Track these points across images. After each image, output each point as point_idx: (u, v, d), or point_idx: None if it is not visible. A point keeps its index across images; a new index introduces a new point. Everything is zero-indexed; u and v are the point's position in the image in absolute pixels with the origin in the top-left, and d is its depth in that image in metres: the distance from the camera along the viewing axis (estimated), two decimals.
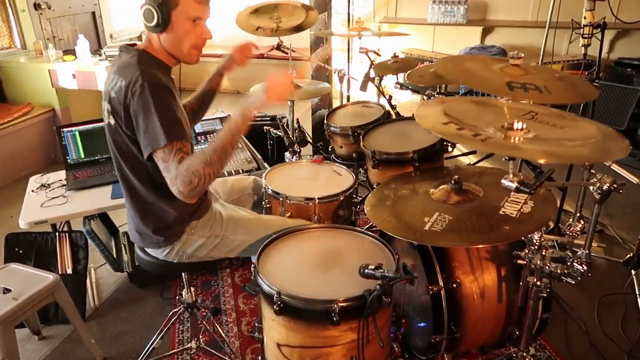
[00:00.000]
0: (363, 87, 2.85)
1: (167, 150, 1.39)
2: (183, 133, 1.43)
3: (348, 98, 3.27)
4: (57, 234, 2.37)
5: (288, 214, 1.88)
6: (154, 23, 1.44)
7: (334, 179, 2.05)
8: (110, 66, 1.59)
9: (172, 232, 1.61)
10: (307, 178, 2.10)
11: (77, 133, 2.55)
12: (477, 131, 1.19)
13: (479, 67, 1.47)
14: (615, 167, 1.88)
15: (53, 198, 2.26)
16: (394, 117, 2.74)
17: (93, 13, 5.01)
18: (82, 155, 2.55)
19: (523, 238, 1.38)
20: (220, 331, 2.19)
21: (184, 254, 1.66)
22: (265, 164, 2.55)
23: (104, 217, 2.56)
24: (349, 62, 3.52)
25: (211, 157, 1.40)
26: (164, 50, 1.52)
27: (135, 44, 1.59)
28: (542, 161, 1.08)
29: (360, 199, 2.25)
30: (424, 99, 2.56)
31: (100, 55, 3.97)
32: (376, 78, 2.87)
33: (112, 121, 1.47)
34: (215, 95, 1.89)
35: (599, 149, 1.14)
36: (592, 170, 1.41)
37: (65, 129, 2.54)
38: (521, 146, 1.15)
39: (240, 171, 2.44)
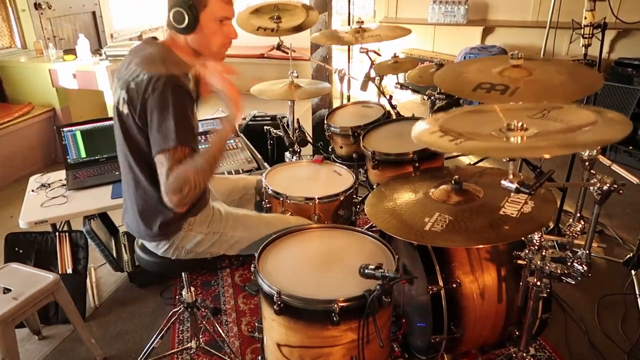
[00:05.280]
0: (363, 87, 2.85)
1: (169, 156, 1.39)
2: (194, 140, 1.44)
3: (348, 98, 3.26)
4: (57, 233, 2.37)
5: (288, 214, 1.88)
6: (184, 25, 1.45)
7: (334, 179, 2.05)
8: (129, 55, 1.57)
9: (170, 228, 1.61)
10: (307, 178, 2.10)
11: (77, 133, 2.55)
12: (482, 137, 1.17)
13: (475, 69, 1.46)
14: (615, 167, 1.87)
15: (53, 198, 2.26)
16: (394, 117, 2.74)
17: (93, 13, 5.01)
18: (83, 155, 2.55)
19: (523, 238, 1.38)
20: (220, 331, 2.19)
21: (182, 249, 1.66)
22: (266, 164, 2.55)
23: (104, 217, 2.56)
24: (349, 61, 3.51)
25: (201, 165, 1.42)
26: (189, 49, 1.53)
27: (156, 38, 1.58)
28: (547, 156, 1.04)
29: (360, 199, 2.25)
30: (424, 99, 2.56)
31: (100, 55, 3.97)
32: (376, 78, 2.87)
33: (126, 110, 1.47)
34: None
35: (604, 130, 1.11)
36: (592, 171, 1.41)
37: (65, 129, 2.54)
38: (529, 144, 1.13)
39: (241, 171, 2.44)
